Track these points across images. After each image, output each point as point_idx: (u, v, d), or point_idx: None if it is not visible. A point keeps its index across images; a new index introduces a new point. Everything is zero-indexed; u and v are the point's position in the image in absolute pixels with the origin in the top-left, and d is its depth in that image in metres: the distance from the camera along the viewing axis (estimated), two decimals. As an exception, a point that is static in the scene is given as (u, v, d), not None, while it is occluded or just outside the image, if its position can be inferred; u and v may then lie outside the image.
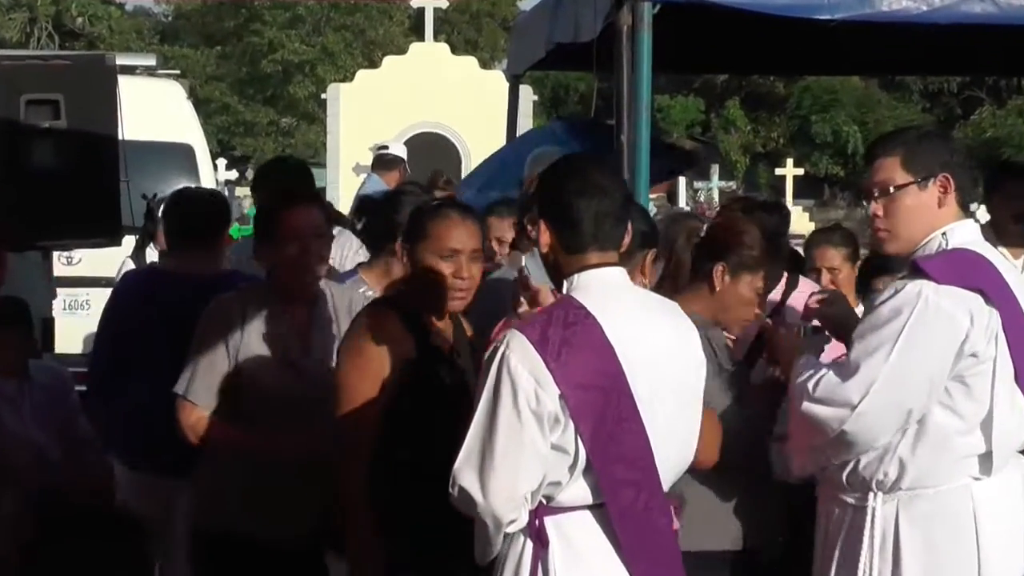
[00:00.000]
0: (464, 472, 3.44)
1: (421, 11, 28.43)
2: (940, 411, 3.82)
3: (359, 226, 5.40)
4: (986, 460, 3.84)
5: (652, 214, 8.47)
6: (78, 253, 9.93)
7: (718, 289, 4.48)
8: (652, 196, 12.74)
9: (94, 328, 6.68)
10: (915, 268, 3.87)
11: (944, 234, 3.91)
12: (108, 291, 7.69)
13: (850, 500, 3.97)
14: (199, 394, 4.75)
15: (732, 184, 34.74)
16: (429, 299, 4.22)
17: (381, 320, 4.20)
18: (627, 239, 3.64)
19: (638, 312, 3.57)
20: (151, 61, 11.86)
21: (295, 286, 4.77)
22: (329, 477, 4.25)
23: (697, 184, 31.48)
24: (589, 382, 3.42)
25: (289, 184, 6.06)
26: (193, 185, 9.94)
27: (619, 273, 3.59)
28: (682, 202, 27.17)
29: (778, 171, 32.39)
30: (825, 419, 3.87)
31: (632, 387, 3.45)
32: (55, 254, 7.76)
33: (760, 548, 4.44)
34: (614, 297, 3.54)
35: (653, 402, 3.49)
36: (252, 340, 4.72)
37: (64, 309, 6.53)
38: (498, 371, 3.43)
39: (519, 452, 3.39)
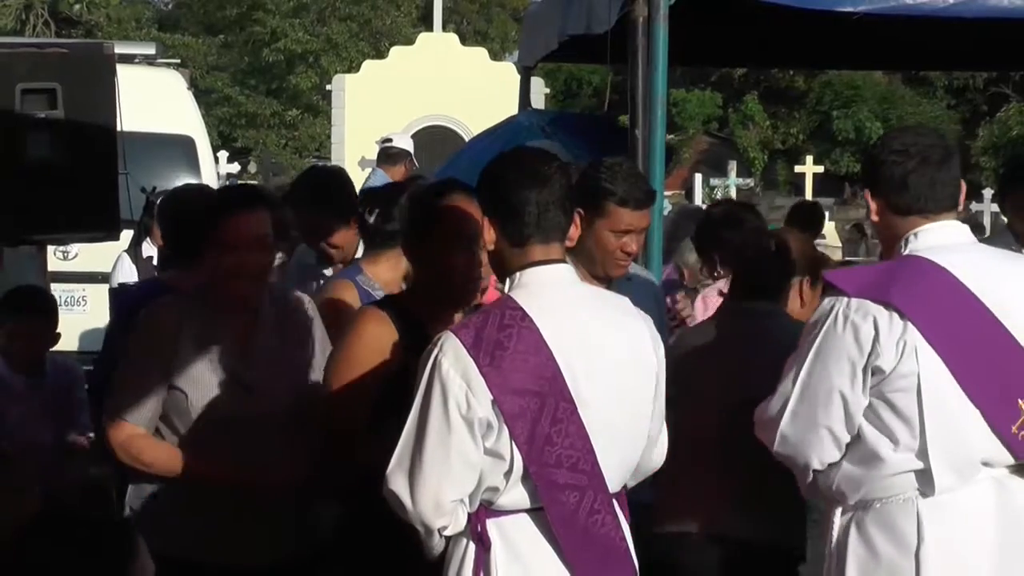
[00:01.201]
0: (394, 476, 3.43)
1: (430, 0, 28.34)
2: (870, 429, 3.76)
3: (371, 220, 5.17)
4: (925, 476, 3.73)
5: (666, 211, 8.38)
6: (74, 247, 9.82)
7: None
8: (668, 193, 12.65)
9: (90, 325, 6.57)
10: (828, 283, 3.89)
11: (906, 240, 3.85)
12: (105, 287, 7.56)
13: (825, 510, 3.98)
14: (130, 411, 4.31)
15: (750, 181, 34.60)
16: (441, 296, 4.04)
17: (371, 323, 4.06)
18: (574, 231, 3.59)
19: (581, 311, 3.52)
20: (150, 50, 11.75)
21: (229, 298, 4.36)
22: (283, 503, 4.23)
23: (714, 181, 31.42)
24: (524, 386, 3.37)
25: (326, 194, 5.80)
26: (192, 181, 9.83)
27: (563, 270, 3.54)
28: (698, 199, 27.11)
29: (797, 168, 32.29)
30: (765, 441, 3.93)
31: (572, 389, 3.40)
32: (50, 248, 7.62)
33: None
34: (556, 296, 3.49)
35: (596, 403, 3.44)
36: (188, 352, 4.32)
37: (60, 305, 6.39)
38: (430, 374, 3.40)
39: (447, 459, 3.37)
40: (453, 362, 3.37)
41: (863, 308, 3.72)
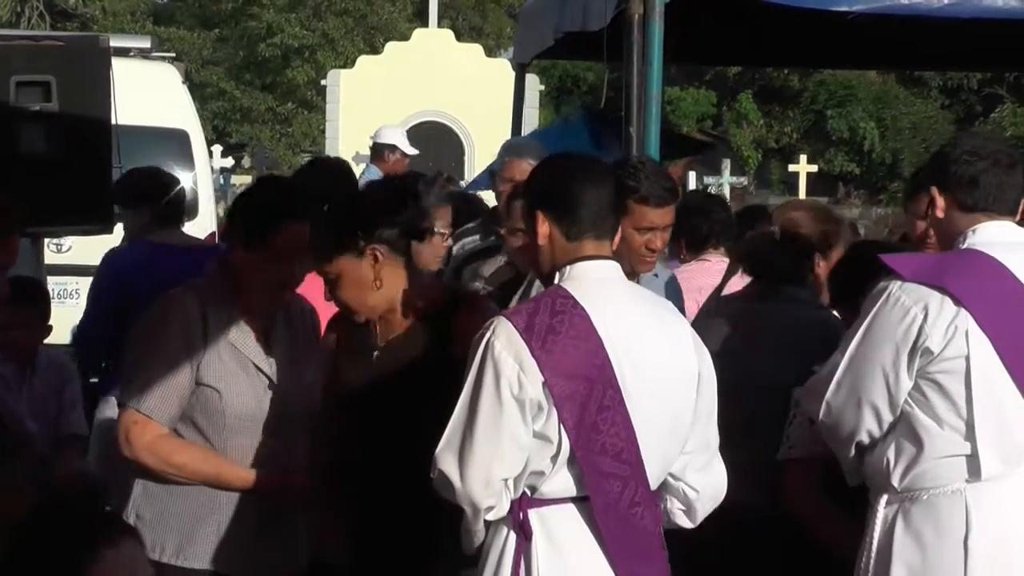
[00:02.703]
0: (444, 456, 3.47)
1: (425, -5, 28.33)
2: (917, 411, 3.87)
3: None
4: (973, 461, 3.84)
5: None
6: (68, 240, 9.79)
7: None
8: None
9: (85, 318, 6.53)
10: (885, 266, 3.99)
11: (964, 236, 3.99)
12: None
13: (871, 499, 4.03)
14: (155, 409, 4.09)
15: (744, 180, 34.61)
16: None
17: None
18: (618, 235, 3.69)
19: (629, 306, 3.59)
20: (145, 43, 11.69)
21: (266, 304, 4.24)
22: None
23: (708, 179, 31.38)
24: (574, 371, 3.43)
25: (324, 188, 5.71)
26: (186, 175, 9.83)
27: (613, 267, 3.63)
28: (693, 197, 26.95)
29: (791, 167, 32.31)
30: (810, 411, 4.10)
31: (619, 379, 3.46)
32: (44, 241, 7.58)
33: None
34: (605, 289, 3.57)
35: (640, 397, 3.49)
36: (217, 348, 4.15)
37: (53, 298, 6.37)
38: (482, 356, 3.46)
39: (498, 438, 3.41)
40: (506, 344, 3.43)
41: (916, 292, 3.86)
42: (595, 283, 3.56)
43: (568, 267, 3.57)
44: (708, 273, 6.29)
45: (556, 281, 3.58)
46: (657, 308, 3.68)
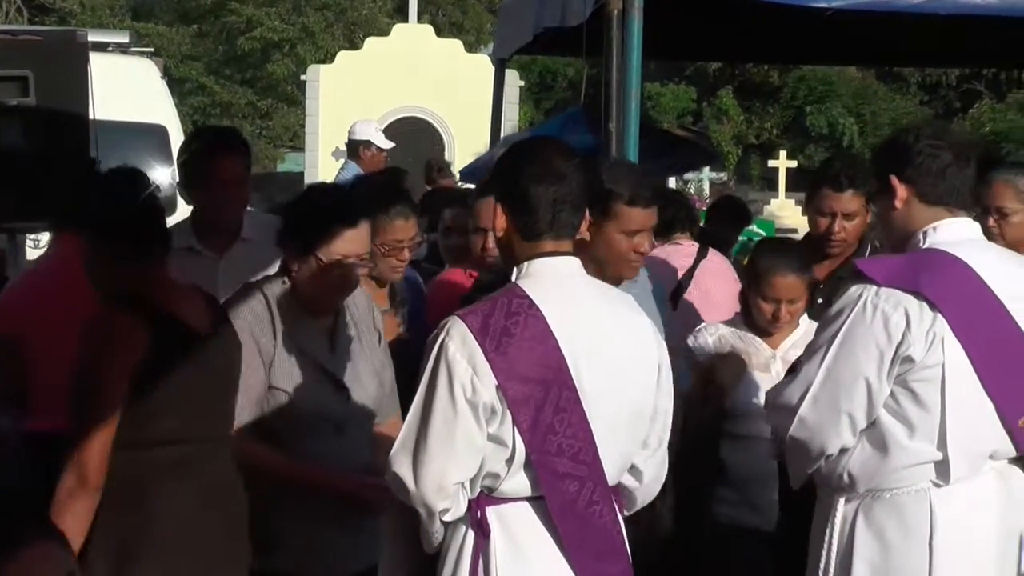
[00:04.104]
0: (398, 458, 3.45)
1: (405, -9, 28.26)
2: (887, 416, 3.78)
3: None
4: (942, 466, 3.78)
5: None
6: (45, 236, 9.72)
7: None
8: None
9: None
10: (856, 272, 3.86)
11: (925, 233, 3.88)
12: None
13: (824, 497, 3.96)
14: (239, 414, 4.07)
15: (723, 175, 34.56)
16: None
17: None
18: (584, 227, 3.62)
19: (587, 304, 3.54)
20: (124, 38, 11.65)
21: (327, 306, 4.25)
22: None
23: (687, 175, 31.34)
24: (529, 374, 3.40)
25: None
26: (165, 170, 9.78)
27: (572, 263, 3.57)
28: (668, 193, 26.93)
29: (771, 163, 32.18)
30: (775, 426, 3.97)
31: (576, 380, 3.42)
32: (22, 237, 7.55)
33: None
34: (564, 287, 3.51)
35: (598, 396, 3.45)
36: (285, 350, 4.15)
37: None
38: (436, 358, 3.42)
39: (452, 441, 3.39)
40: (460, 346, 3.40)
41: (893, 298, 3.75)
42: (553, 280, 3.51)
43: (526, 264, 3.53)
44: (682, 255, 6.50)
45: (513, 278, 3.54)
46: (617, 303, 3.64)
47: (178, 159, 5.61)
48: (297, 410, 4.14)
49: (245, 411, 4.09)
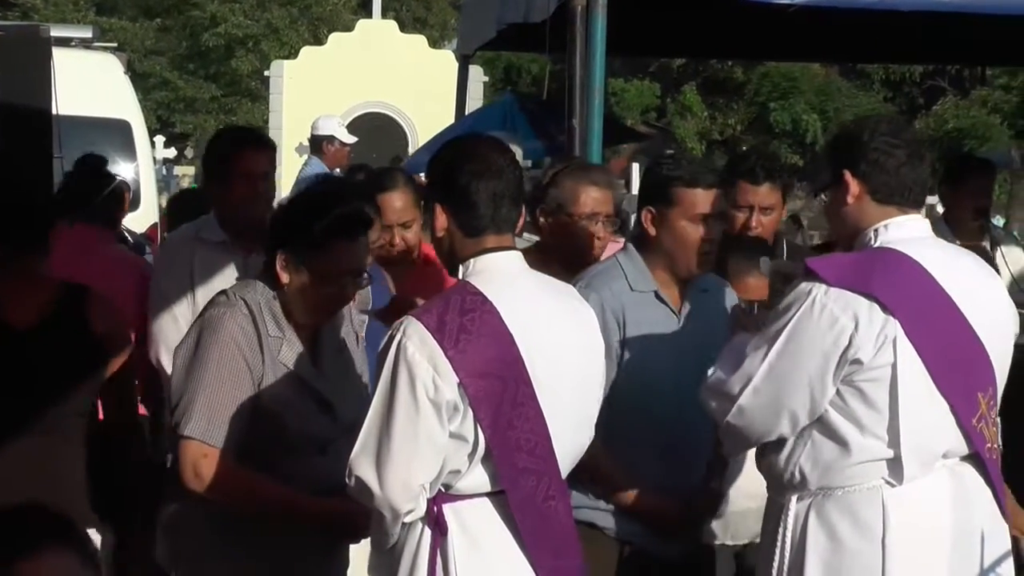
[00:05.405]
0: (360, 462, 3.41)
1: (369, -13, 28.21)
2: (836, 415, 3.74)
3: None
4: (895, 465, 3.75)
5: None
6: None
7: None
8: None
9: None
10: (807, 270, 3.79)
11: (876, 231, 3.83)
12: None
13: (775, 496, 3.94)
14: (224, 438, 3.86)
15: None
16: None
17: None
18: (521, 221, 3.63)
19: (535, 297, 3.55)
20: (87, 33, 11.61)
21: (316, 322, 4.06)
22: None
23: (648, 172, 31.39)
24: (487, 369, 3.40)
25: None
26: (128, 166, 9.73)
27: (515, 257, 3.58)
28: (635, 189, 27.04)
29: (735, 159, 32.28)
30: (712, 411, 3.89)
31: (530, 373, 3.44)
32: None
33: None
34: (511, 282, 3.52)
35: (551, 388, 3.47)
36: (274, 369, 3.96)
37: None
38: (395, 359, 3.40)
39: (416, 441, 3.37)
40: (419, 346, 3.38)
41: (843, 299, 3.67)
42: (501, 276, 3.51)
43: (472, 261, 3.52)
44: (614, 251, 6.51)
45: (461, 275, 3.54)
46: (564, 295, 3.66)
47: (203, 157, 5.56)
48: (280, 430, 3.97)
49: (236, 435, 3.90)
